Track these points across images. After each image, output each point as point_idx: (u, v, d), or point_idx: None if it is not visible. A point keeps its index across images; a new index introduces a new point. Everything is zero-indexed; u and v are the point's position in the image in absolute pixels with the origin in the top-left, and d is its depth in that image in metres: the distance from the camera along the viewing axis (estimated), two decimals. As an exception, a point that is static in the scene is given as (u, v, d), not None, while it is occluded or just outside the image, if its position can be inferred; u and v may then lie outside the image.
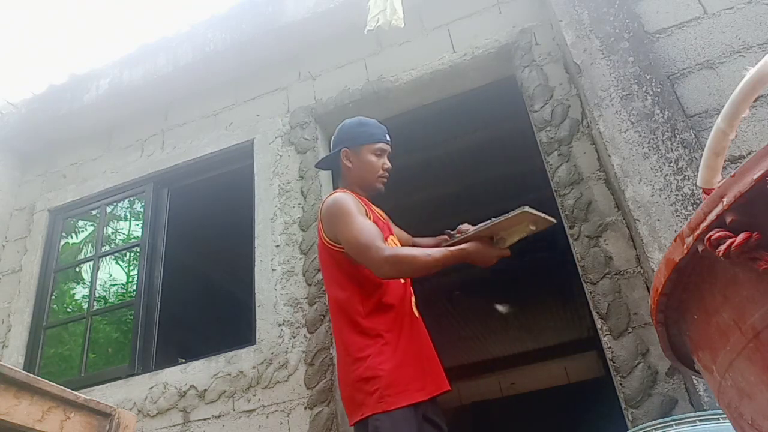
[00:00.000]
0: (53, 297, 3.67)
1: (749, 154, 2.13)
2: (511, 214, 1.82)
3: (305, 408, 2.53)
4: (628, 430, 1.90)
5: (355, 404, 1.79)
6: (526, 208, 1.81)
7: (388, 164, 2.15)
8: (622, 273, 2.29)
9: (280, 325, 2.79)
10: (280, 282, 2.89)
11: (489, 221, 1.86)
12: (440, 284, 5.92)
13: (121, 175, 3.71)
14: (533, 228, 1.85)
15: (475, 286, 6.30)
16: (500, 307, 1.83)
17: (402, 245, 2.22)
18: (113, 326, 4.11)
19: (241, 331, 3.17)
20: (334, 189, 2.23)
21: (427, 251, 1.84)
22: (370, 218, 1.98)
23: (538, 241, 5.40)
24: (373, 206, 2.14)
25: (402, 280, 1.99)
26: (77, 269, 3.96)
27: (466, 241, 1.86)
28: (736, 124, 0.70)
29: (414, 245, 2.31)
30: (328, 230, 1.98)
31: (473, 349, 8.53)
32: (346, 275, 1.94)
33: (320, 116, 3.30)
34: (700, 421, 1.45)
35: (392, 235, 2.19)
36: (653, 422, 1.56)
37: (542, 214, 1.84)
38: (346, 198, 1.96)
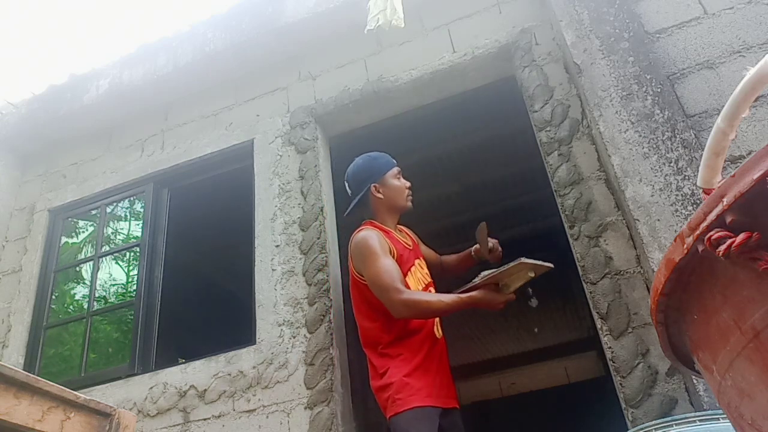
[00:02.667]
0: (53, 297, 3.66)
1: (749, 154, 2.13)
2: (511, 264, 2.02)
3: (305, 408, 2.53)
4: (628, 430, 1.90)
5: (384, 410, 2.02)
6: (523, 259, 2.02)
7: (408, 182, 2.40)
8: (622, 273, 2.29)
9: (280, 325, 2.79)
10: (280, 282, 2.89)
11: (494, 270, 2.06)
12: (440, 284, 5.91)
13: (121, 175, 3.70)
14: (532, 275, 2.05)
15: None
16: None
17: (430, 264, 2.46)
18: (113, 326, 4.10)
19: (241, 331, 3.17)
20: (361, 222, 2.38)
21: (440, 297, 2.07)
22: (393, 254, 2.18)
23: (538, 241, 5.41)
24: (398, 236, 2.35)
25: None
26: (77, 269, 3.96)
27: (475, 289, 2.05)
28: (736, 124, 0.70)
29: (441, 263, 2.56)
30: (356, 265, 2.21)
31: (473, 349, 8.52)
32: (373, 307, 2.15)
33: (320, 116, 3.30)
34: (700, 421, 1.45)
35: (418, 258, 2.39)
36: (653, 422, 1.56)
37: (539, 262, 2.05)
38: (372, 236, 2.18)
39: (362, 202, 2.35)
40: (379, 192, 2.33)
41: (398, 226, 2.44)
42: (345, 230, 3.18)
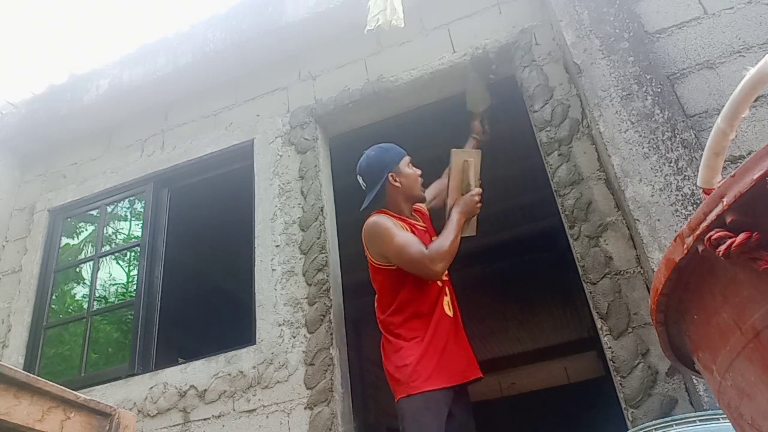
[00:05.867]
0: (53, 297, 3.66)
1: (749, 154, 2.13)
2: (450, 166, 2.30)
3: (305, 408, 2.53)
4: (628, 430, 1.90)
5: (395, 390, 2.08)
6: (453, 149, 2.31)
7: (419, 170, 2.44)
8: (622, 273, 2.29)
9: (280, 325, 2.79)
10: (280, 282, 2.89)
11: (448, 188, 2.32)
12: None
13: (121, 175, 3.70)
14: (471, 160, 2.32)
15: (475, 286, 6.30)
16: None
17: (439, 199, 2.60)
18: (113, 326, 4.10)
19: (241, 331, 3.17)
20: (371, 214, 2.39)
21: (444, 234, 2.17)
22: (408, 231, 2.25)
23: (539, 241, 5.40)
24: (413, 221, 2.40)
25: (440, 283, 2.24)
26: (77, 269, 3.96)
27: (452, 209, 2.25)
28: (736, 124, 0.70)
29: (439, 190, 2.66)
30: (373, 251, 2.25)
31: (473, 349, 8.53)
32: (392, 290, 2.21)
33: (320, 116, 3.30)
34: (700, 421, 1.45)
35: (436, 236, 2.41)
36: (653, 422, 1.56)
37: (466, 149, 2.35)
38: (383, 219, 2.25)
39: (379, 193, 2.34)
40: (396, 181, 2.34)
41: (412, 215, 2.45)
42: (345, 230, 3.19)
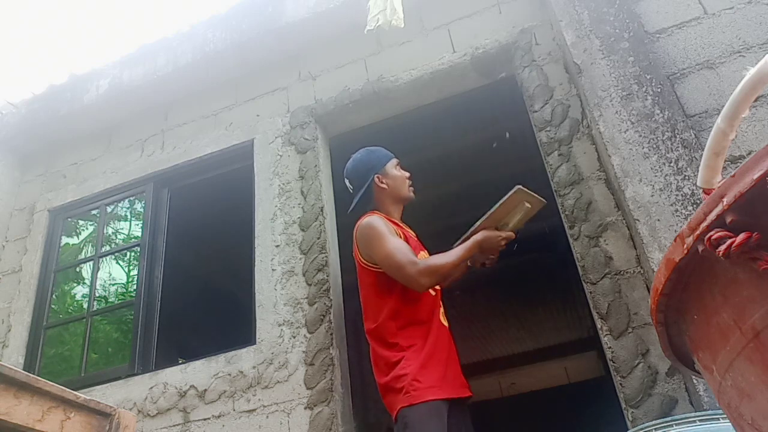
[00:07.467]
0: (53, 297, 3.67)
1: (749, 154, 2.13)
2: (507, 196, 2.06)
3: (305, 408, 2.53)
4: (628, 430, 1.90)
5: (391, 405, 1.97)
6: (520, 187, 2.05)
7: (408, 173, 2.40)
8: (622, 273, 2.29)
9: (280, 325, 2.79)
10: (280, 282, 2.89)
11: (489, 211, 2.09)
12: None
13: (121, 175, 3.71)
14: (528, 206, 2.08)
15: (476, 287, 6.31)
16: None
17: None
18: (113, 326, 4.10)
19: (241, 331, 3.17)
20: (363, 214, 2.33)
21: (447, 253, 2.07)
22: (401, 237, 2.18)
23: (538, 241, 5.40)
24: (404, 227, 2.34)
25: (433, 293, 2.17)
26: (77, 269, 3.96)
27: (474, 234, 2.09)
28: (736, 124, 0.70)
29: None
30: (363, 252, 2.18)
31: (473, 349, 8.52)
32: (382, 294, 2.12)
33: (320, 116, 3.30)
34: (700, 421, 1.45)
35: (424, 251, 2.37)
36: (653, 422, 1.56)
37: (534, 194, 2.08)
38: (377, 220, 2.18)
39: (366, 195, 2.32)
40: (382, 182, 2.32)
41: (403, 222, 2.42)
42: (345, 230, 3.19)
